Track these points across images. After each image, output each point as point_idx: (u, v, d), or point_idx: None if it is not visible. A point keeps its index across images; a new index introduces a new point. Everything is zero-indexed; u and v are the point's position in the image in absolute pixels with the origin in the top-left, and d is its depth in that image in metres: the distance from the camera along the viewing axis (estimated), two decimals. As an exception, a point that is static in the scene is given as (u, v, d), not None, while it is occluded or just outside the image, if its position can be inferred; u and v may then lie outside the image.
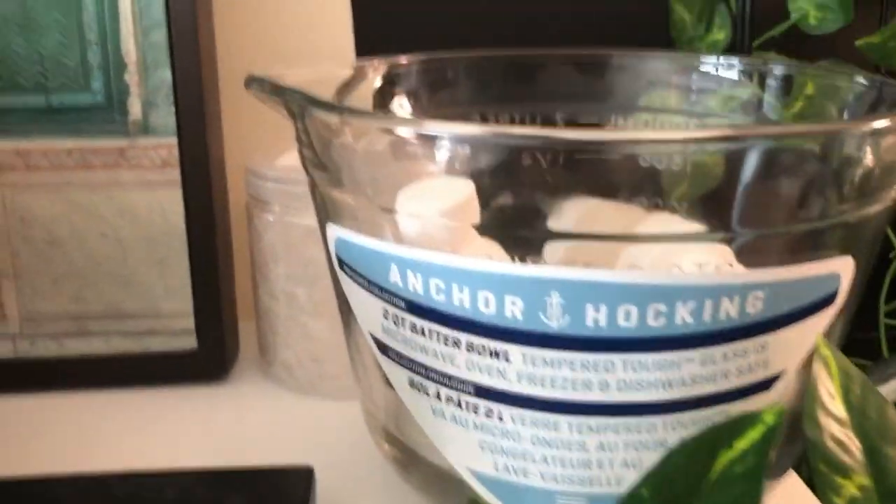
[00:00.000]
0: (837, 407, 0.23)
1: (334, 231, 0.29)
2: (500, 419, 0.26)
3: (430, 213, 0.27)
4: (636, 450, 0.26)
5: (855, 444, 0.23)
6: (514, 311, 0.25)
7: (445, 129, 0.27)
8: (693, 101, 0.40)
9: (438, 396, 0.27)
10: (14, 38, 0.39)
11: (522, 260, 0.27)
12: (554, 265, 0.28)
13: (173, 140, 0.40)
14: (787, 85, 0.38)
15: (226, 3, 0.48)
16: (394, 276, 0.27)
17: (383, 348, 0.28)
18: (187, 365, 0.42)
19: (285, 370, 0.42)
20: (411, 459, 0.31)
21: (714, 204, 0.27)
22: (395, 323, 0.27)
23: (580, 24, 0.52)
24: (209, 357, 0.42)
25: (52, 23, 0.39)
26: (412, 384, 0.28)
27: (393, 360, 0.28)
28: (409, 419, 0.30)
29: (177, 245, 0.41)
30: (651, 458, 0.26)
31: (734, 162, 0.26)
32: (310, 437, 0.38)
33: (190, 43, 0.40)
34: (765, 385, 0.26)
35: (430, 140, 0.27)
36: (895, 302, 0.51)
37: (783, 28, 0.50)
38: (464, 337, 0.26)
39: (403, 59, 0.38)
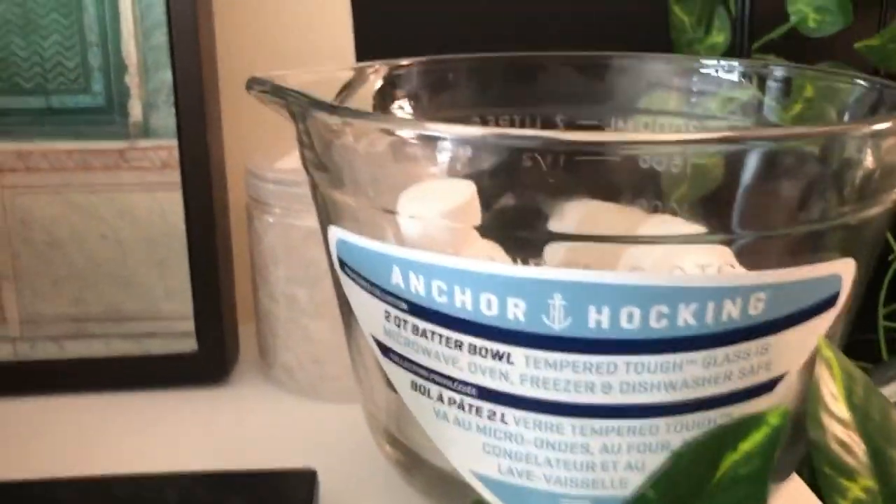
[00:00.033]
0: (840, 408, 0.23)
1: (336, 233, 0.29)
2: (504, 421, 0.26)
3: (431, 215, 0.27)
4: (640, 452, 0.26)
5: (859, 446, 0.23)
6: (516, 312, 0.25)
7: (447, 131, 0.27)
8: (692, 103, 0.40)
9: (441, 399, 0.27)
10: (14, 40, 0.39)
11: (524, 262, 0.27)
12: (556, 267, 0.28)
13: (173, 142, 0.40)
14: (787, 87, 0.38)
15: (226, 5, 0.48)
16: (396, 278, 0.27)
17: (385, 350, 0.28)
18: (187, 367, 0.42)
19: (286, 372, 0.42)
20: (413, 462, 0.31)
21: (715, 206, 0.27)
22: (397, 325, 0.27)
23: (580, 26, 0.52)
24: (209, 359, 0.42)
25: (53, 24, 0.39)
26: (414, 386, 0.28)
27: (395, 362, 0.28)
28: (411, 421, 0.30)
29: (177, 247, 0.41)
30: (655, 460, 0.26)
31: (735, 164, 0.26)
32: (311, 440, 0.38)
33: (190, 45, 0.39)
34: (767, 387, 0.26)
35: (431, 141, 0.27)
36: (894, 304, 0.52)
37: (782, 31, 0.50)
38: (466, 339, 0.26)
39: (404, 62, 0.38)
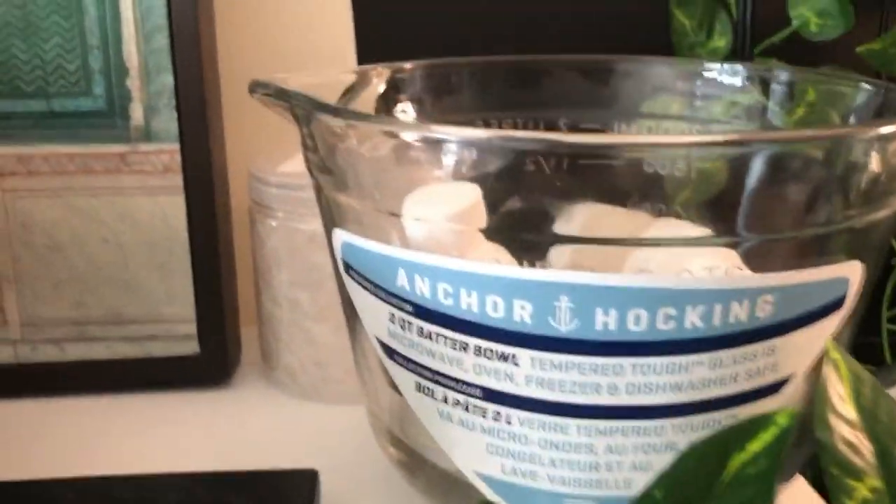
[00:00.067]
0: (848, 410, 0.23)
1: (341, 236, 0.29)
2: (508, 422, 0.26)
3: (436, 218, 0.27)
4: (645, 452, 0.26)
5: (866, 447, 0.23)
6: (522, 314, 0.25)
7: (453, 133, 0.27)
8: (695, 107, 0.40)
9: (446, 400, 0.27)
10: (15, 43, 0.39)
11: (529, 264, 0.27)
12: (562, 269, 0.28)
13: (175, 145, 0.40)
14: (789, 91, 0.38)
15: (226, 7, 0.47)
16: (401, 281, 0.26)
17: (390, 352, 0.28)
18: (189, 370, 0.42)
19: (288, 375, 0.42)
20: (417, 463, 0.31)
21: (721, 209, 0.27)
22: (401, 327, 0.27)
23: (582, 30, 0.52)
24: (211, 362, 0.42)
25: (54, 27, 0.39)
26: (419, 388, 0.28)
27: (400, 364, 0.28)
28: (414, 422, 0.29)
29: (179, 250, 0.41)
30: (660, 461, 0.26)
31: (741, 167, 0.26)
32: (313, 442, 0.38)
33: (192, 48, 0.39)
34: (773, 388, 0.26)
35: (436, 144, 0.27)
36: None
37: (784, 35, 0.50)
38: (472, 341, 0.26)
39: (407, 65, 0.38)
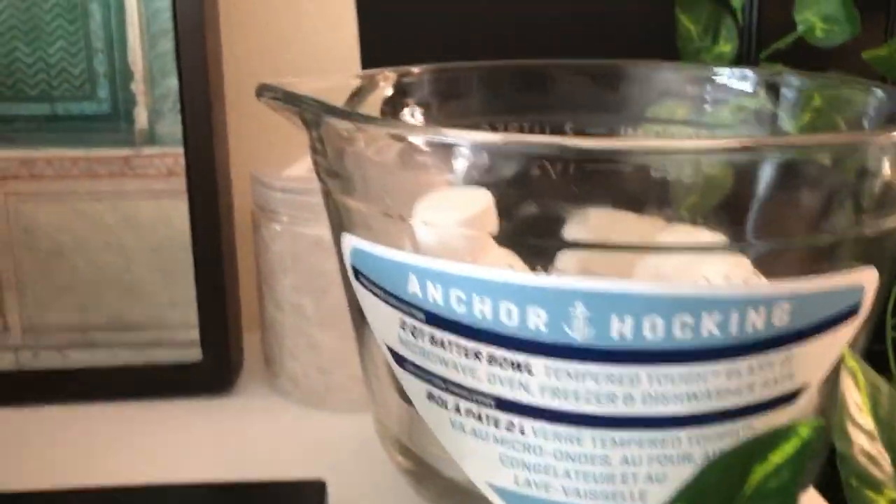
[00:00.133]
0: (866, 420, 0.23)
1: (350, 241, 0.28)
2: (522, 433, 0.26)
3: (448, 223, 0.27)
4: (660, 463, 0.25)
5: (885, 458, 0.23)
6: (537, 322, 0.24)
7: (464, 138, 0.26)
8: (702, 112, 0.39)
9: (458, 409, 0.27)
10: (19, 46, 0.38)
11: (538, 269, 0.27)
12: (571, 274, 0.28)
13: (179, 149, 0.40)
14: (796, 97, 0.37)
15: (230, 12, 0.47)
16: (413, 287, 0.26)
17: (400, 360, 0.28)
18: (192, 377, 0.42)
19: (291, 382, 0.41)
20: (425, 472, 0.31)
21: (732, 215, 0.27)
22: (413, 334, 0.27)
23: (587, 35, 0.52)
24: (214, 369, 0.42)
25: (58, 30, 0.38)
26: (431, 397, 0.27)
27: (410, 372, 0.28)
28: (423, 431, 0.29)
29: (182, 255, 0.41)
30: (675, 472, 0.25)
31: (754, 173, 0.26)
32: (317, 450, 0.38)
33: (197, 52, 0.39)
34: (789, 398, 0.26)
35: (446, 148, 0.27)
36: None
37: (789, 40, 0.50)
38: (485, 349, 0.25)
39: (414, 69, 0.37)
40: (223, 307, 0.41)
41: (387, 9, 0.50)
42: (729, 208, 0.27)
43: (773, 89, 0.38)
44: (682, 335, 0.24)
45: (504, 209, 0.27)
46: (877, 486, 0.22)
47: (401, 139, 0.28)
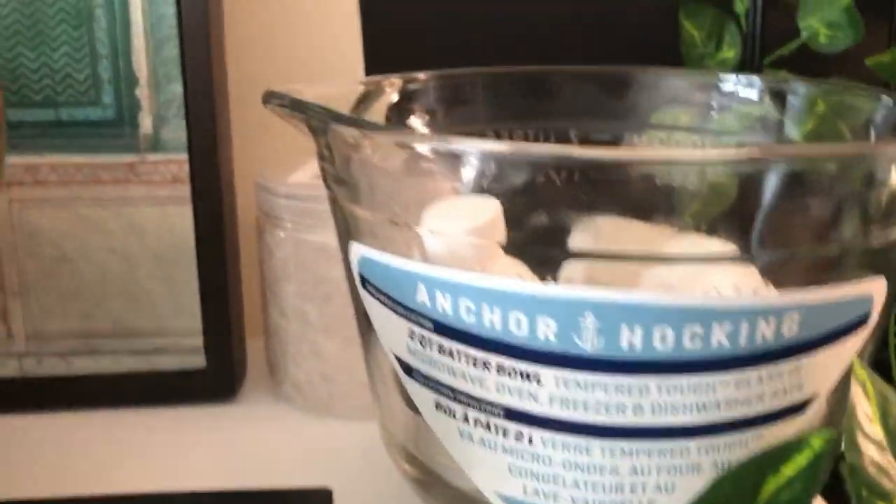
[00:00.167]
0: (876, 430, 0.23)
1: (358, 250, 0.28)
2: (531, 442, 0.26)
3: (456, 232, 0.27)
4: (669, 473, 0.25)
5: (894, 469, 0.23)
6: (547, 332, 0.24)
7: (472, 147, 0.26)
8: (706, 118, 0.39)
9: (466, 419, 0.27)
10: (24, 52, 0.38)
11: (542, 278, 0.27)
12: (576, 282, 0.28)
13: (184, 156, 0.40)
14: (800, 103, 0.37)
15: (235, 17, 0.47)
16: (421, 296, 0.26)
17: (408, 370, 0.28)
18: (196, 384, 0.42)
19: (295, 389, 0.41)
20: (432, 481, 0.31)
21: (739, 225, 0.27)
22: (421, 344, 0.27)
23: (590, 41, 0.52)
24: (218, 376, 0.42)
25: (63, 36, 0.38)
26: (438, 406, 0.27)
27: (418, 381, 0.28)
28: (430, 440, 0.29)
29: (186, 262, 0.40)
30: (684, 482, 0.25)
31: (761, 182, 0.26)
32: (321, 457, 0.38)
33: (202, 58, 0.39)
34: (798, 408, 0.26)
35: (454, 157, 0.27)
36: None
37: (793, 46, 0.50)
38: (494, 359, 0.25)
39: (421, 75, 0.37)
40: (227, 314, 0.41)
41: (390, 15, 0.50)
42: (736, 218, 0.27)
43: (777, 96, 0.38)
44: (691, 345, 0.24)
45: (511, 218, 0.27)
46: (887, 497, 0.22)
47: (409, 148, 0.28)
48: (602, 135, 0.39)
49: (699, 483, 0.25)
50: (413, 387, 0.28)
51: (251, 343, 0.45)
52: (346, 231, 0.30)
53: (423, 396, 0.28)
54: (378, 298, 0.28)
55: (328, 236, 0.39)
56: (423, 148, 0.28)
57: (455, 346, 0.26)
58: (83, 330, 0.41)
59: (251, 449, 0.39)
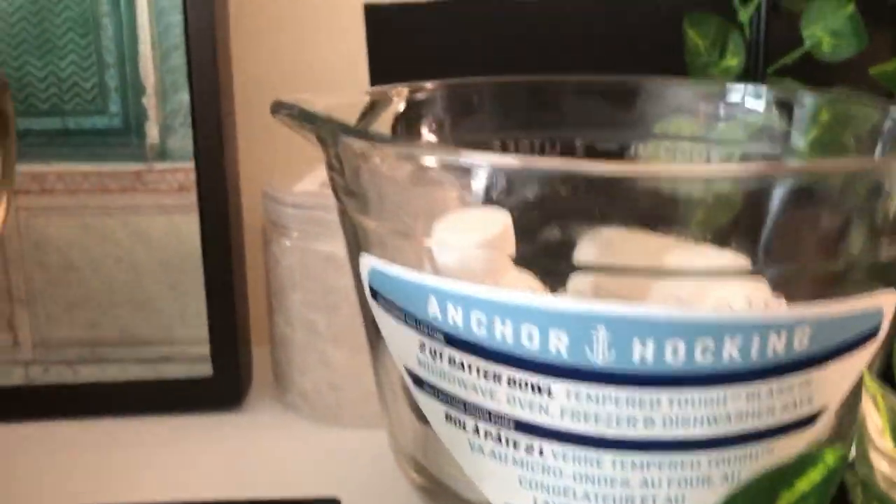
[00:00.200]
0: (886, 444, 0.23)
1: (369, 262, 0.28)
2: (541, 455, 0.26)
3: (466, 244, 0.27)
4: (679, 486, 0.25)
5: (905, 483, 0.23)
6: (558, 345, 0.24)
7: (485, 160, 0.26)
8: (711, 127, 0.39)
9: (477, 431, 0.27)
10: (31, 60, 0.38)
11: (551, 289, 0.27)
12: (584, 293, 0.28)
13: (190, 164, 0.40)
14: (805, 113, 0.38)
15: (240, 26, 0.47)
16: (432, 309, 0.26)
17: (418, 381, 0.28)
18: (202, 392, 0.42)
19: (301, 398, 0.41)
20: (441, 491, 0.31)
21: (748, 238, 0.27)
22: (432, 356, 0.27)
23: (595, 51, 0.52)
24: (224, 384, 0.42)
25: (70, 44, 0.38)
26: (449, 418, 0.27)
27: (428, 393, 0.28)
28: (440, 452, 0.29)
29: (193, 270, 0.41)
30: (694, 495, 0.25)
31: (770, 196, 0.26)
32: (328, 466, 0.38)
33: (208, 66, 0.39)
34: (808, 421, 0.26)
35: (465, 169, 0.27)
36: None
37: (796, 55, 0.50)
38: (505, 371, 0.25)
39: (427, 85, 0.37)
40: (233, 322, 0.41)
41: (395, 24, 0.50)
42: (744, 231, 0.27)
43: (782, 105, 0.38)
44: (703, 359, 0.24)
45: (519, 229, 0.27)
46: (899, 512, 0.22)
47: (419, 161, 0.28)
48: (608, 144, 0.39)
49: (709, 495, 0.25)
50: (423, 398, 0.28)
51: (256, 351, 0.45)
52: (356, 243, 0.30)
53: (433, 408, 0.28)
54: (388, 310, 0.28)
55: (335, 245, 0.39)
56: (433, 161, 0.28)
57: (466, 358, 0.26)
58: (89, 338, 0.41)
59: (258, 458, 0.39)
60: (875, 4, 0.50)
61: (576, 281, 0.28)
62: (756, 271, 0.26)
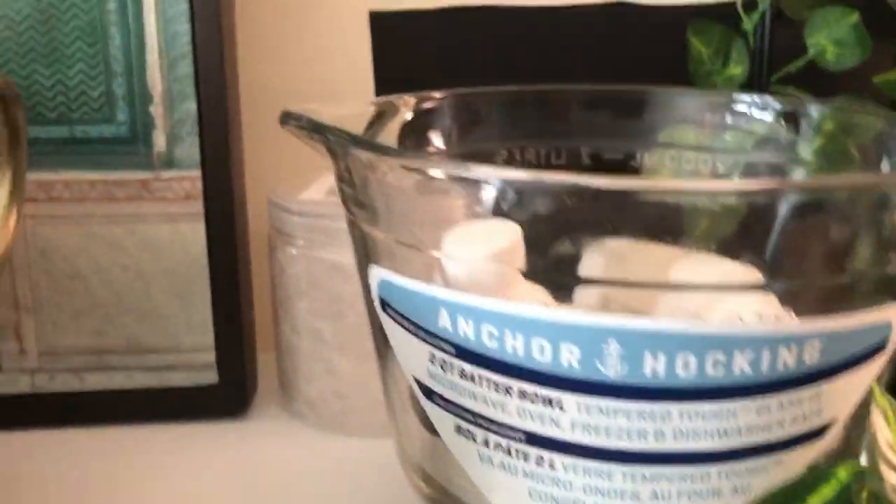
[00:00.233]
0: (896, 458, 0.23)
1: (379, 273, 0.28)
2: (552, 467, 0.26)
3: (476, 257, 0.27)
4: (689, 498, 0.25)
5: (916, 497, 0.23)
6: (570, 359, 0.24)
7: (495, 174, 0.27)
8: (717, 137, 0.40)
9: (487, 443, 0.27)
10: (38, 69, 0.38)
11: (559, 301, 0.27)
12: (590, 306, 0.28)
13: (197, 173, 0.40)
14: (810, 122, 0.38)
15: (246, 35, 0.47)
16: (443, 321, 0.26)
17: (428, 393, 0.28)
18: (208, 400, 0.42)
19: (307, 406, 0.41)
20: (449, 501, 0.31)
21: (753, 251, 0.27)
22: (442, 368, 0.27)
23: (599, 59, 0.52)
24: (230, 392, 0.42)
25: (78, 53, 0.38)
26: (458, 430, 0.27)
27: (438, 405, 0.28)
28: (448, 462, 0.29)
29: (199, 278, 0.41)
30: (704, 508, 0.26)
31: (774, 210, 0.26)
32: (334, 475, 0.38)
33: (216, 75, 0.39)
34: (818, 433, 0.26)
35: (475, 182, 0.27)
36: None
37: (800, 64, 0.50)
38: (516, 384, 0.25)
39: (434, 94, 0.37)
40: (239, 330, 0.41)
41: (400, 31, 0.50)
42: (751, 245, 0.27)
43: (786, 115, 0.38)
44: (714, 373, 0.24)
45: (528, 242, 0.27)
46: (910, 526, 0.22)
47: (427, 174, 0.28)
48: (614, 153, 0.39)
49: (719, 508, 0.26)
50: (433, 409, 0.28)
51: (261, 358, 0.45)
52: (365, 254, 0.30)
53: (443, 419, 0.28)
54: (399, 322, 0.28)
55: (341, 254, 0.39)
56: (443, 174, 0.28)
57: (477, 371, 0.26)
58: (96, 346, 0.41)
59: (263, 466, 0.39)
60: (879, 13, 0.50)
61: (584, 293, 0.28)
62: (767, 285, 0.26)
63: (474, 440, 0.27)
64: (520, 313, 0.25)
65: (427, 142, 0.38)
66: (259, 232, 0.44)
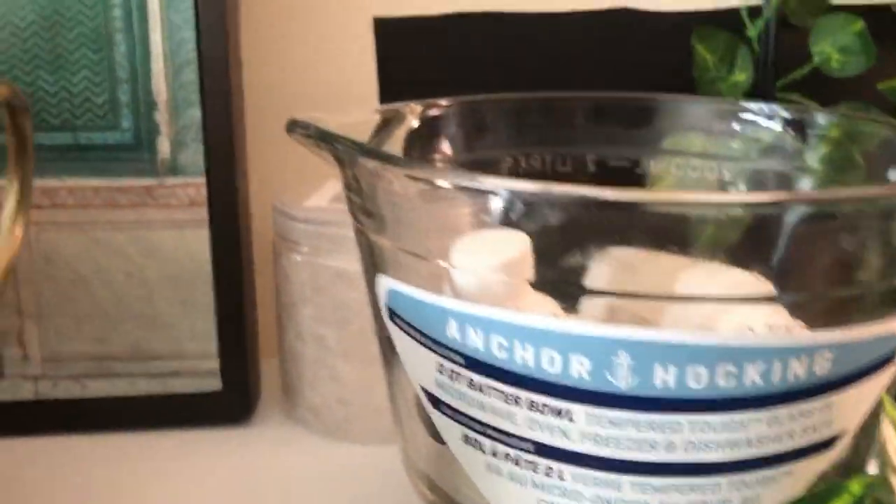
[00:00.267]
0: (907, 470, 0.23)
1: (387, 282, 0.28)
2: (561, 478, 0.26)
3: (484, 268, 0.27)
4: (699, 510, 0.25)
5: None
6: (580, 370, 0.24)
7: (503, 185, 0.26)
8: (723, 144, 0.39)
9: (495, 454, 0.27)
10: (42, 76, 0.38)
11: (565, 311, 0.27)
12: (597, 315, 0.28)
13: (201, 179, 0.40)
14: (816, 130, 0.38)
15: (250, 42, 0.47)
16: (452, 331, 0.26)
17: (436, 402, 0.28)
18: (211, 407, 0.41)
19: (311, 412, 0.41)
20: (454, 510, 0.31)
21: (761, 262, 0.27)
22: (450, 378, 0.27)
23: (603, 66, 0.52)
24: (233, 399, 0.42)
25: (82, 60, 0.38)
26: (466, 440, 0.27)
27: (446, 415, 0.28)
28: (455, 471, 0.29)
29: (202, 285, 0.40)
30: (714, 519, 0.25)
31: (781, 222, 0.26)
32: (338, 482, 0.38)
33: (220, 82, 0.39)
34: (827, 444, 0.26)
35: (483, 193, 0.27)
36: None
37: (805, 71, 0.50)
38: (525, 395, 0.25)
39: (440, 102, 0.37)
40: (243, 337, 0.41)
41: (405, 37, 0.50)
42: (759, 257, 0.27)
43: (793, 122, 0.38)
44: (725, 384, 0.24)
45: (537, 253, 0.27)
46: (921, 538, 0.22)
47: (435, 183, 0.28)
48: (619, 160, 0.39)
49: (728, 519, 0.25)
50: (440, 419, 0.28)
51: (265, 364, 0.45)
52: (373, 263, 0.30)
53: (451, 429, 0.28)
54: (407, 331, 0.28)
55: (345, 261, 0.39)
56: (450, 184, 0.28)
57: (486, 381, 0.26)
58: (99, 353, 0.41)
59: (266, 473, 0.39)
60: (883, 21, 0.50)
61: (591, 303, 0.28)
62: (777, 296, 0.26)
63: (482, 450, 0.27)
64: (530, 324, 0.25)
65: (433, 149, 0.38)
66: (263, 238, 0.44)
